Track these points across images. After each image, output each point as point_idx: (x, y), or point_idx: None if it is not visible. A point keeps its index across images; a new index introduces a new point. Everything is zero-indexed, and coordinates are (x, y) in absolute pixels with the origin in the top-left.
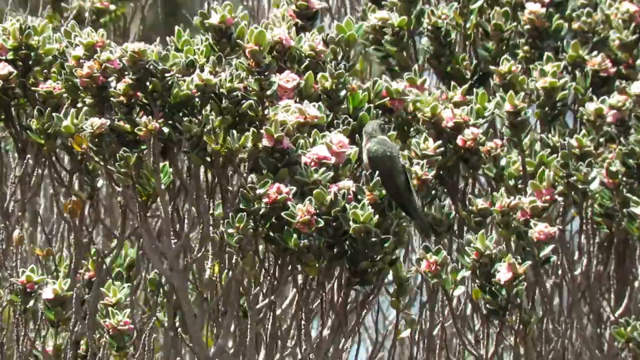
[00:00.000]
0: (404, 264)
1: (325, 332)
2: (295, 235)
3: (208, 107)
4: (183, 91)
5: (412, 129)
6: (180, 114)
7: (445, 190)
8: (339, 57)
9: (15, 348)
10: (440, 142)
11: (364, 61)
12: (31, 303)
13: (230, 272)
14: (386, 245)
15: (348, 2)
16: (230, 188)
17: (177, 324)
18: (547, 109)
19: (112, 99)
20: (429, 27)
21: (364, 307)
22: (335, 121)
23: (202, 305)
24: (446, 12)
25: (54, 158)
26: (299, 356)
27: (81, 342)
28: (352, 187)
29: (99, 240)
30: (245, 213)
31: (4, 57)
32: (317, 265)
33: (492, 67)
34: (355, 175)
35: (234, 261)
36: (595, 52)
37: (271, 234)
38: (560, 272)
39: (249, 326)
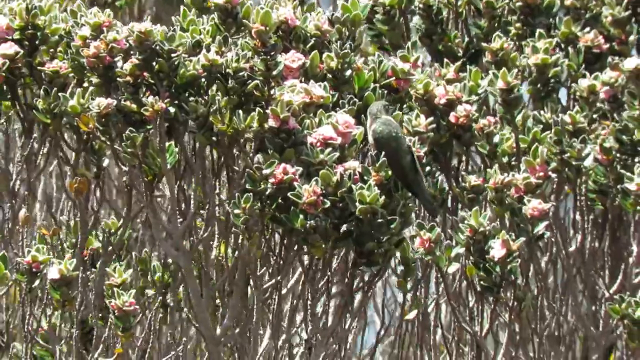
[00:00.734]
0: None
1: (331, 313)
2: (301, 216)
3: (214, 87)
4: (189, 71)
5: (404, 106)
6: (187, 94)
7: (439, 167)
8: (345, 37)
9: (21, 328)
10: (432, 118)
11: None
12: (37, 283)
13: (237, 253)
14: (392, 226)
15: None
16: (237, 168)
17: (183, 304)
18: (539, 85)
19: (118, 79)
20: (421, 5)
21: (370, 287)
22: (340, 101)
23: (208, 285)
24: None
25: (60, 138)
26: (305, 336)
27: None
28: (358, 168)
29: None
30: (251, 193)
31: (10, 37)
32: (323, 246)
33: (484, 45)
34: (361, 156)
35: (240, 242)
36: (587, 29)
37: (277, 214)
38: (554, 249)
39: (255, 306)
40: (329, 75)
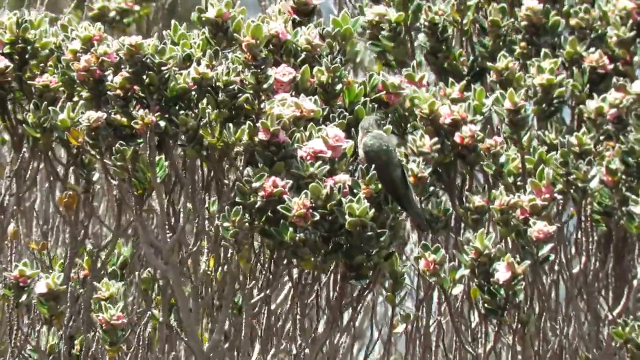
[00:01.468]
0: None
1: (320, 328)
2: (291, 229)
3: (204, 101)
4: (179, 84)
5: (409, 126)
6: (177, 108)
7: (443, 187)
8: (335, 51)
9: (9, 343)
10: (437, 139)
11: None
12: (24, 297)
13: (226, 266)
14: (382, 239)
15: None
16: (226, 182)
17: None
18: (544, 105)
19: (108, 92)
20: (426, 23)
21: (359, 302)
22: (331, 115)
23: (197, 300)
24: (443, 8)
25: (49, 152)
26: (294, 351)
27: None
28: (348, 181)
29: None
30: (241, 207)
31: (0, 51)
32: (312, 259)
33: (489, 64)
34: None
35: (229, 255)
36: (592, 49)
37: (267, 227)
38: (557, 267)
39: (243, 320)
40: (320, 89)
